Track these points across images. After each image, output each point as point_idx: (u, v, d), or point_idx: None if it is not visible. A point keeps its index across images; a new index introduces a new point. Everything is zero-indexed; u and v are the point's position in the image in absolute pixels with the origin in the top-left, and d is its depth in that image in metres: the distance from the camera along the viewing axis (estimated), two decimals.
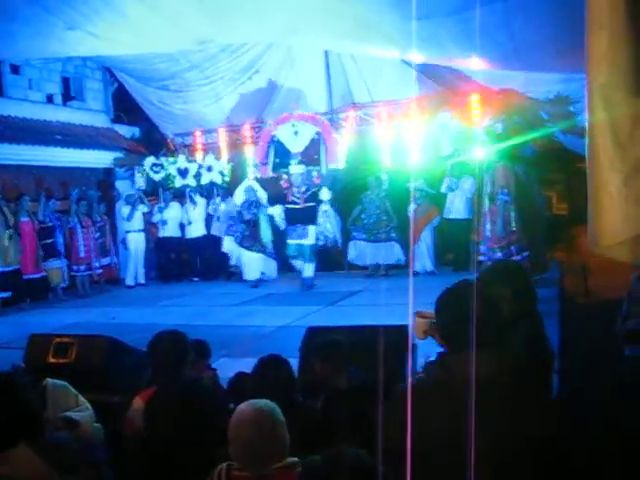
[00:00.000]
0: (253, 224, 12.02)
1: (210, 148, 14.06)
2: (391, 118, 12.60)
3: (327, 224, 12.11)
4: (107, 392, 4.20)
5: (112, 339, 4.88)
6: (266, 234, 12.01)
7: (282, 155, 13.10)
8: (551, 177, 13.12)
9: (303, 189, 11.53)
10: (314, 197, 11.59)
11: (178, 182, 13.57)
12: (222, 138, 13.98)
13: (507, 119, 11.17)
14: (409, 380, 2.36)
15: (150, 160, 13.75)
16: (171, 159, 13.73)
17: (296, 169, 11.83)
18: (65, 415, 3.24)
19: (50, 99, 14.10)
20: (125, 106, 15.08)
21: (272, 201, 12.17)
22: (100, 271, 12.72)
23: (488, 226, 9.38)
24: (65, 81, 14.62)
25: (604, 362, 5.80)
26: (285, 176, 12.41)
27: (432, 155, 12.01)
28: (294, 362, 4.48)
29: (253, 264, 12.03)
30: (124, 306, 10.88)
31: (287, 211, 11.59)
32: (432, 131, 12.04)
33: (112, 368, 4.58)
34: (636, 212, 1.51)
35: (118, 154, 14.35)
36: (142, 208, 13.21)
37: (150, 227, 13.70)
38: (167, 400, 2.95)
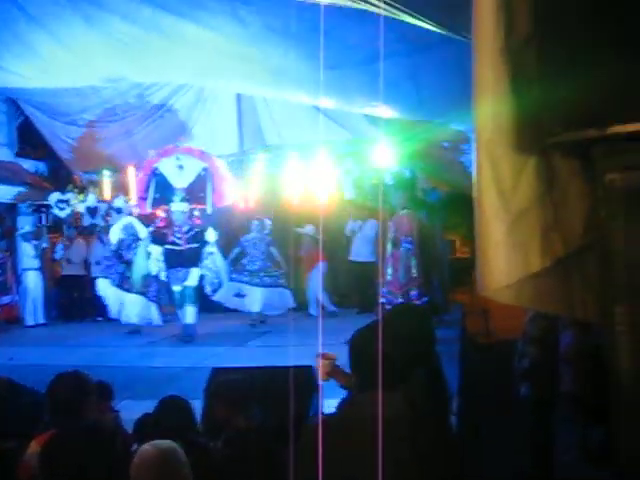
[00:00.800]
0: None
1: (119, 186, 13.77)
2: (299, 161, 12.77)
3: (213, 267, 10.95)
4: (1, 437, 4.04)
5: (8, 380, 4.71)
6: (145, 275, 10.92)
7: (164, 190, 11.68)
8: (454, 221, 13.61)
9: (185, 229, 10.62)
10: (198, 238, 10.62)
11: (87, 221, 13.28)
12: (131, 176, 13.76)
13: (414, 165, 11.57)
14: (319, 417, 2.42)
15: (55, 196, 13.42)
16: (80, 197, 13.42)
17: (178, 206, 10.81)
18: None
19: None
20: (31, 140, 14.70)
21: (152, 240, 10.92)
22: None
23: (390, 270, 9.63)
24: None
25: (501, 402, 6.02)
26: (162, 214, 11.22)
27: (336, 198, 12.27)
28: (199, 403, 4.48)
29: (133, 307, 10.98)
30: (24, 346, 10.45)
31: (167, 253, 10.55)
32: (337, 175, 12.39)
33: (7, 411, 4.41)
34: (518, 258, 1.65)
35: (21, 189, 13.94)
36: (42, 245, 12.85)
37: (52, 265, 13.32)
38: (66, 443, 2.89)
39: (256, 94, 11.99)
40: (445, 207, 12.05)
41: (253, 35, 6.74)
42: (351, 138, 12.37)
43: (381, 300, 9.67)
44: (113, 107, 12.52)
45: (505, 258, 1.64)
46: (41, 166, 15.14)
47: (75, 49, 6.96)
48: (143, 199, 11.85)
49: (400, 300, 9.28)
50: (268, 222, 11.86)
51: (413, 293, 9.45)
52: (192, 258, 10.48)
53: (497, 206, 1.62)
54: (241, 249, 11.72)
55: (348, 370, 2.63)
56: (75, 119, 13.06)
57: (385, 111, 9.34)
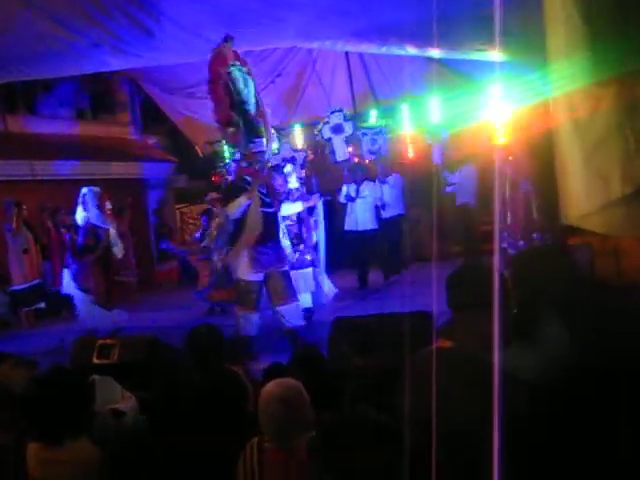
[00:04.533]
0: None
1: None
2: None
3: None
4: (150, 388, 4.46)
5: (152, 337, 5.17)
6: None
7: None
8: None
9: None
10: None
11: None
12: None
13: None
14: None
15: None
16: None
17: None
18: (113, 407, 3.51)
19: (80, 114, 14.54)
20: (152, 116, 15.45)
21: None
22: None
23: (509, 214, 9.47)
24: (94, 96, 15.05)
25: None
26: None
27: None
28: None
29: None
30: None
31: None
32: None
33: (152, 365, 4.84)
34: (599, 186, 1.69)
35: (149, 164, 14.73)
36: None
37: None
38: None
39: (364, 51, 11.95)
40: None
41: None
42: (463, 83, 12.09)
43: (503, 245, 9.55)
44: None
45: (585, 187, 1.69)
46: (164, 141, 15.90)
47: (184, 25, 7.27)
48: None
49: (522, 243, 9.16)
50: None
51: (535, 236, 9.28)
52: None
53: (573, 137, 1.67)
54: None
55: None
56: (192, 92, 13.48)
57: (496, 54, 9.11)
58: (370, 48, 10.07)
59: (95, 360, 4.97)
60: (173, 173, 15.39)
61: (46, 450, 2.99)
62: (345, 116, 11.55)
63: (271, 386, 2.74)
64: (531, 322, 2.35)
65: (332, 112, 11.82)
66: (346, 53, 12.84)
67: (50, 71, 9.38)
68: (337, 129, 11.81)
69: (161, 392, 3.86)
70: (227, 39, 7.95)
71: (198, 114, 14.14)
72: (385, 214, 11.47)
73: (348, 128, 11.49)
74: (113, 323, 8.86)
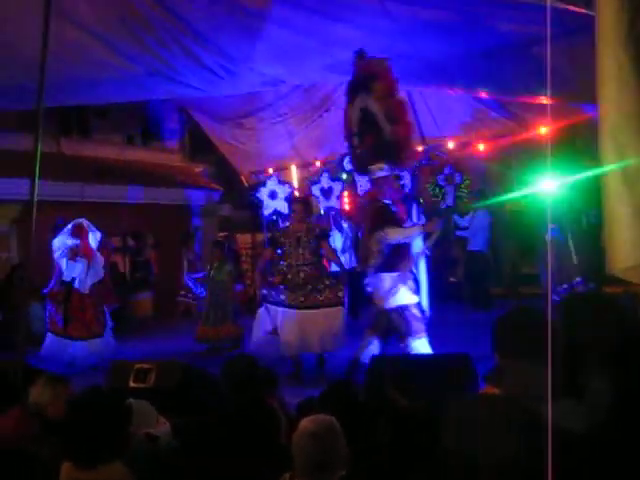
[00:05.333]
0: None
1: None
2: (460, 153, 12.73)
3: None
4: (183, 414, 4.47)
5: (186, 364, 5.20)
6: None
7: None
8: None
9: None
10: None
11: None
12: (294, 175, 14.27)
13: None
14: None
15: None
16: None
17: None
18: (147, 431, 3.54)
19: (130, 140, 14.85)
20: (200, 144, 15.68)
21: None
22: None
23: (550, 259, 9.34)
24: (144, 122, 15.37)
25: None
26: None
27: None
28: None
29: None
30: None
31: None
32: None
33: (187, 391, 4.87)
34: None
35: (194, 192, 14.93)
36: None
37: None
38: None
39: (412, 88, 11.99)
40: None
41: (403, 30, 6.84)
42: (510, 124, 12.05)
43: (545, 291, 9.40)
44: (275, 109, 13.02)
45: (631, 239, 1.67)
46: (210, 169, 16.10)
47: (237, 59, 7.41)
48: None
49: (564, 288, 9.00)
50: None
51: (577, 281, 9.12)
52: None
53: (622, 190, 1.67)
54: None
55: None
56: (241, 122, 13.70)
57: (544, 97, 9.08)
58: (417, 85, 10.12)
59: (132, 384, 5.01)
60: (218, 201, 15.56)
61: (80, 471, 3.01)
62: None
63: (305, 421, 2.73)
64: (578, 372, 2.28)
65: None
66: None
67: (105, 97, 9.63)
68: None
69: (194, 419, 3.87)
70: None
71: (246, 145, 14.36)
72: None
73: None
74: (71, 355, 8.75)
